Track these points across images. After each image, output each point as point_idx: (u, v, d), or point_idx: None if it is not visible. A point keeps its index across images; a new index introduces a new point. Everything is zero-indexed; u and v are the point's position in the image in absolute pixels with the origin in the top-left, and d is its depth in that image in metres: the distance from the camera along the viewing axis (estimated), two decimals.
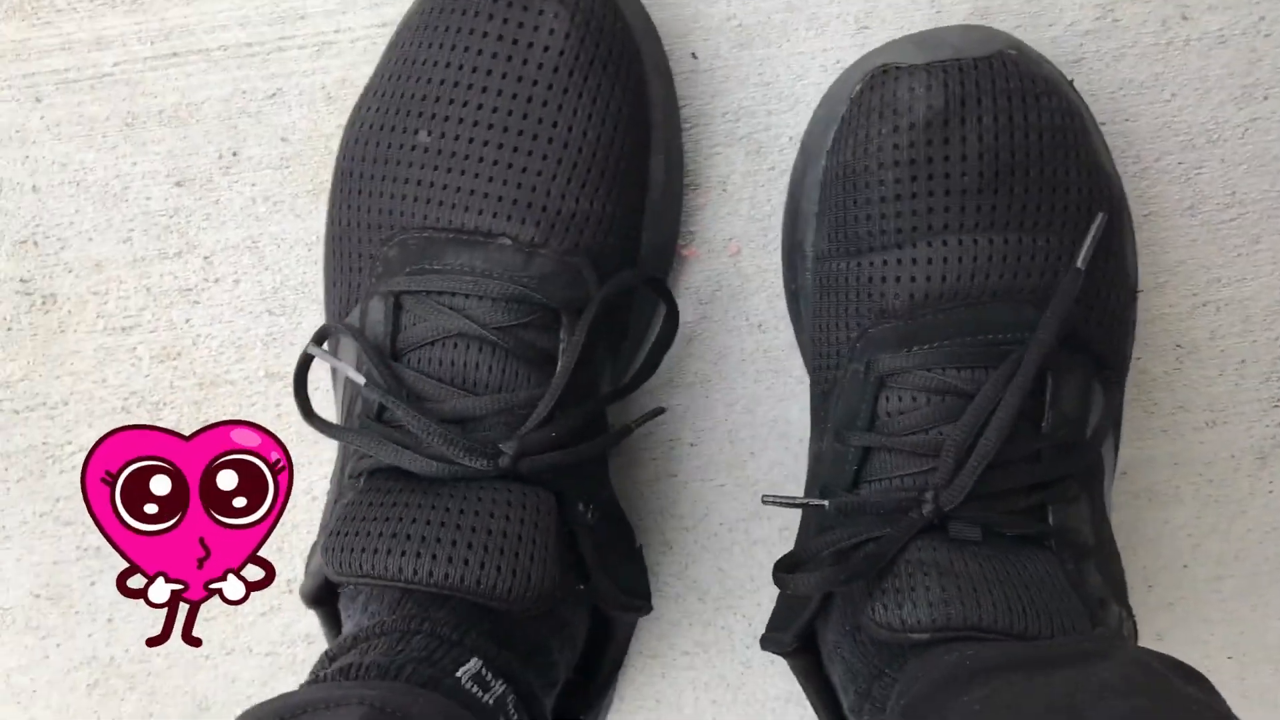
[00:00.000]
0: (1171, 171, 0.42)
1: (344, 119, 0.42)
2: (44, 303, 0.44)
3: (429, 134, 0.35)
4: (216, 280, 0.44)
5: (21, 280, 0.44)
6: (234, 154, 0.42)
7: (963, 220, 0.34)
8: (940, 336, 0.33)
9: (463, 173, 0.34)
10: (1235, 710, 0.45)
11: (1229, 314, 0.44)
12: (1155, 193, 0.43)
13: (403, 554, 0.30)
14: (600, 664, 0.36)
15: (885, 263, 0.35)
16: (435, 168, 0.34)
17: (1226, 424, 0.45)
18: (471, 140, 0.34)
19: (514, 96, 0.35)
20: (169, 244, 0.43)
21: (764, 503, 0.36)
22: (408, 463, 0.31)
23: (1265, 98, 0.41)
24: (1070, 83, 0.38)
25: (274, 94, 0.42)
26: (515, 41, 0.34)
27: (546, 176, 0.35)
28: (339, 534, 0.31)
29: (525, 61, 0.35)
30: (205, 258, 0.43)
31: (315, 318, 0.44)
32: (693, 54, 0.41)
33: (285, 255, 0.44)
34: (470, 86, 0.35)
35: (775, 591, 0.46)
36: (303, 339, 0.45)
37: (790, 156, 0.43)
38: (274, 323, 0.44)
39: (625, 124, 0.36)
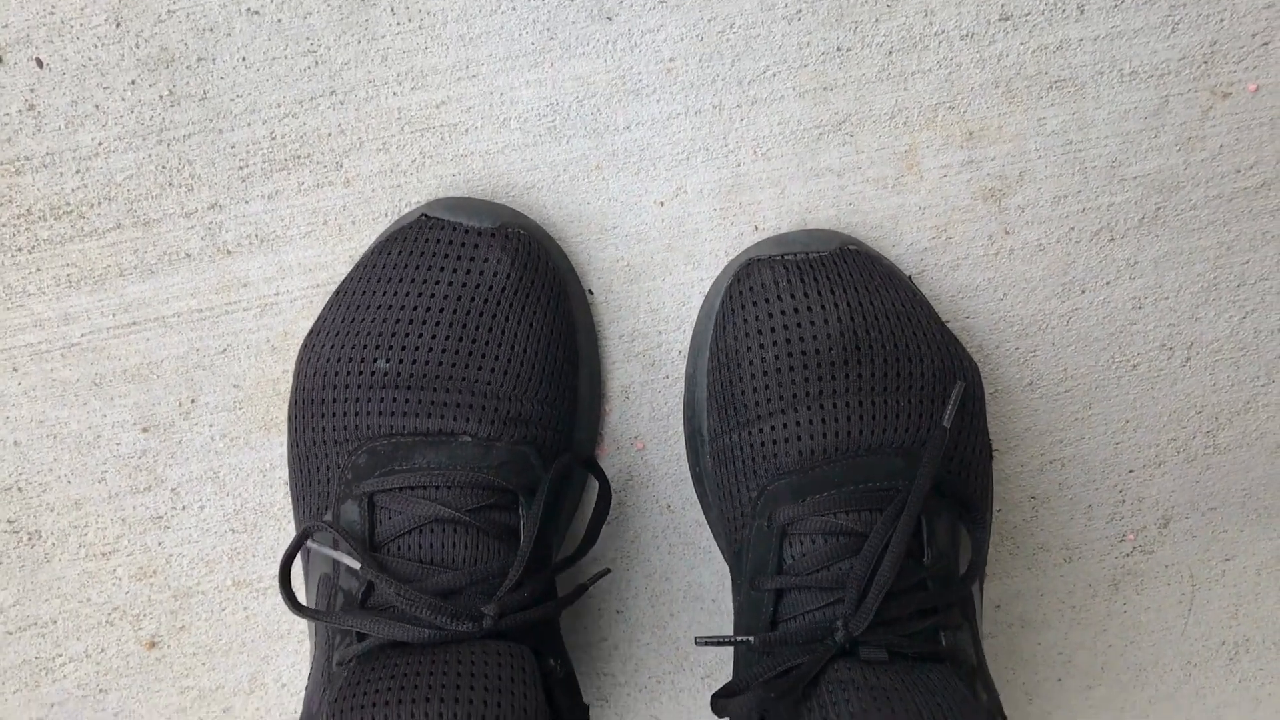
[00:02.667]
0: (1011, 356, 0.58)
1: (288, 366, 0.57)
2: (29, 539, 0.58)
3: (387, 361, 0.46)
4: (184, 508, 0.58)
5: (9, 521, 0.58)
6: (193, 401, 0.57)
7: (834, 387, 0.46)
8: (829, 486, 0.44)
9: (422, 389, 0.45)
10: None
11: (1073, 468, 0.60)
12: (999, 374, 0.58)
13: (413, 701, 0.36)
14: None
15: (773, 428, 0.46)
16: (396, 387, 0.45)
17: (1082, 559, 0.61)
18: (428, 363, 0.45)
19: (464, 325, 0.46)
20: (139, 480, 0.58)
21: (697, 643, 0.49)
22: (402, 634, 0.40)
23: (1082, 291, 0.57)
24: (909, 278, 0.52)
25: (224, 349, 0.56)
26: (465, 284, 0.47)
27: (496, 385, 0.46)
28: (343, 698, 0.37)
29: (474, 299, 0.47)
30: (173, 490, 0.58)
31: (273, 533, 0.59)
32: (589, 290, 0.56)
33: (243, 482, 0.58)
34: (424, 322, 0.46)
35: None
36: (263, 550, 0.59)
37: (680, 367, 0.58)
38: (237, 539, 0.59)
39: (557, 341, 0.49)
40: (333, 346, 0.50)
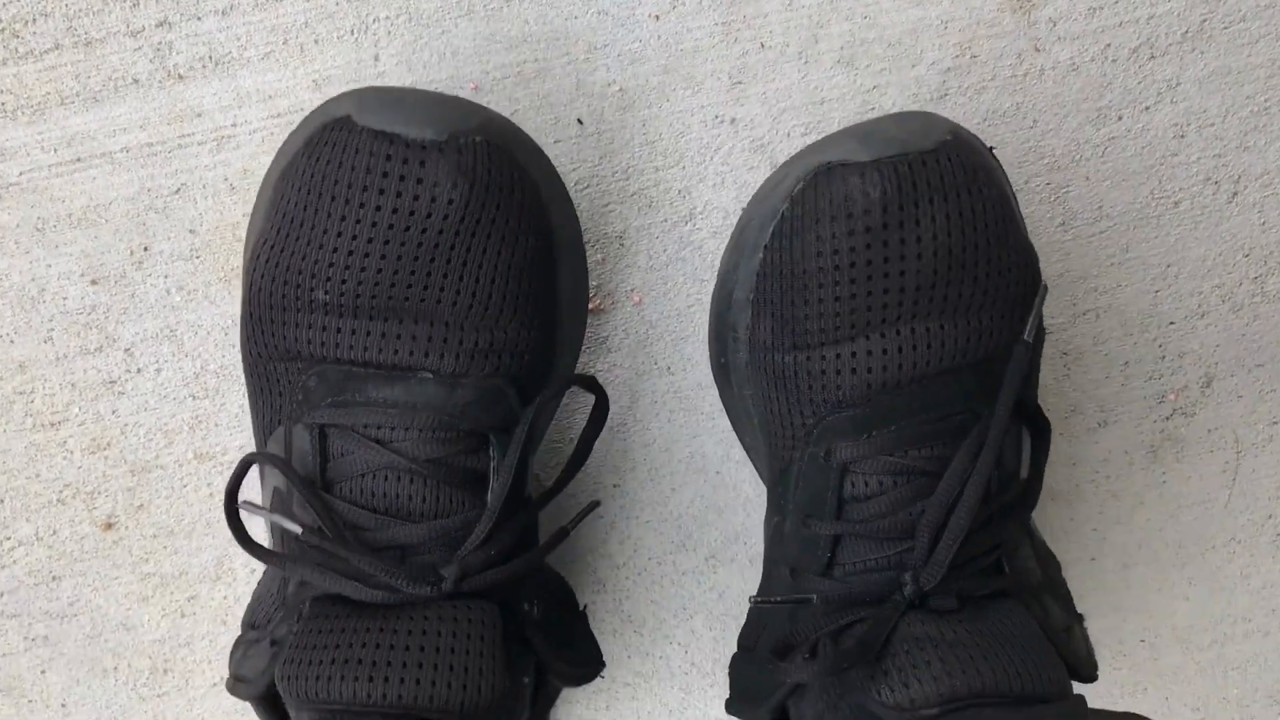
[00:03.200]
0: (1041, 193, 0.52)
1: (248, 208, 0.52)
2: None
3: (325, 293, 0.39)
4: (139, 370, 0.53)
5: None
6: (145, 249, 0.51)
7: (915, 311, 0.39)
8: (896, 419, 0.39)
9: (370, 318, 0.39)
10: (1151, 690, 0.56)
11: (1108, 320, 0.54)
12: (1028, 213, 0.53)
13: (355, 679, 0.35)
14: (533, 705, 0.45)
15: (839, 356, 0.40)
16: (340, 316, 0.40)
17: (1118, 423, 0.56)
18: (374, 296, 0.39)
19: (415, 258, 0.39)
20: (89, 340, 0.52)
21: (751, 602, 0.43)
22: (353, 592, 0.37)
23: (1119, 117, 0.52)
24: (991, 151, 0.45)
25: (179, 189, 0.51)
26: (412, 212, 0.38)
27: (459, 316, 0.40)
28: (293, 663, 0.37)
29: (424, 230, 0.38)
30: (126, 350, 0.52)
31: (238, 398, 0.54)
32: (579, 120, 0.50)
33: (203, 341, 0.53)
34: (366, 254, 0.39)
35: (708, 618, 0.57)
36: (227, 419, 0.54)
37: (679, 208, 0.52)
38: (198, 406, 0.53)
39: (530, 260, 0.41)
40: (270, 264, 0.42)
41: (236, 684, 0.45)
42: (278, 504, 0.44)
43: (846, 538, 0.41)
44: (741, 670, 0.50)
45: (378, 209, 0.39)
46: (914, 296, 0.40)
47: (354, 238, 0.39)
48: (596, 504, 0.48)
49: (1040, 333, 0.47)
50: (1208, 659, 0.62)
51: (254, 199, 0.52)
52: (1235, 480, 0.59)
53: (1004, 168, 0.49)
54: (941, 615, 0.38)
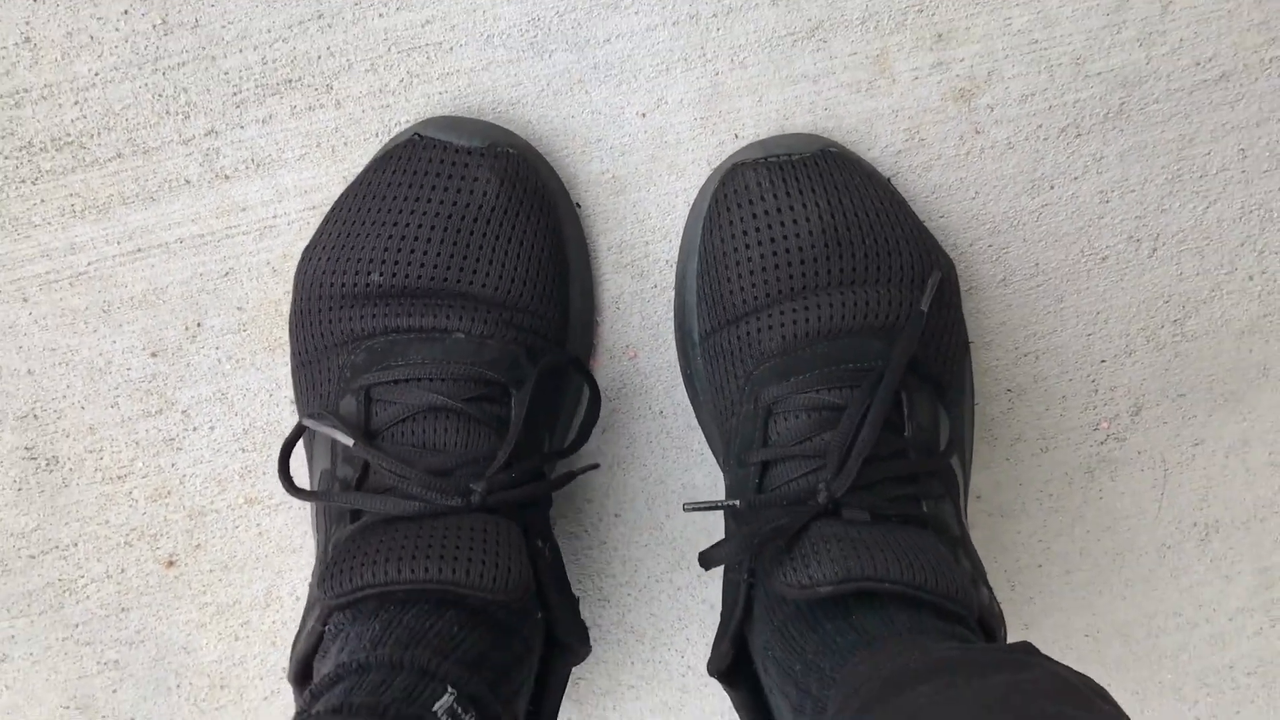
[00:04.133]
0: (984, 254, 0.60)
1: (289, 287, 0.59)
2: (48, 464, 0.60)
3: (380, 275, 0.48)
4: (195, 429, 0.60)
5: (26, 449, 0.60)
6: (198, 325, 0.59)
7: (816, 281, 0.48)
8: (811, 367, 0.46)
9: (415, 297, 0.47)
10: (1094, 676, 0.65)
11: (1047, 360, 0.62)
12: (973, 272, 0.60)
13: (399, 559, 0.39)
14: (543, 706, 0.48)
15: (759, 320, 0.48)
16: (390, 297, 0.47)
17: (1057, 448, 0.63)
18: (420, 276, 0.47)
19: (454, 242, 0.48)
20: (150, 404, 0.60)
21: (685, 509, 0.51)
22: (394, 508, 0.41)
23: (1051, 187, 0.59)
24: (888, 180, 0.54)
25: (227, 273, 0.58)
26: (455, 202, 0.48)
27: (489, 292, 0.48)
28: (335, 563, 0.40)
29: (464, 216, 0.48)
30: (183, 412, 0.60)
31: None
32: (577, 204, 0.58)
33: (251, 401, 0.60)
34: (416, 238, 0.48)
35: (701, 627, 0.65)
36: (272, 468, 0.62)
37: (668, 276, 0.60)
38: (247, 458, 0.61)
39: (548, 256, 0.50)
40: (327, 259, 0.50)
41: (294, 655, 0.44)
42: (324, 480, 0.50)
43: (773, 464, 0.46)
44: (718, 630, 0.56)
45: (429, 200, 0.48)
46: (813, 268, 0.48)
47: (408, 224, 0.48)
48: (596, 465, 0.56)
49: (949, 317, 0.54)
50: (1144, 649, 0.70)
51: (293, 277, 0.60)
52: (1163, 495, 0.66)
53: (899, 193, 0.56)
54: (852, 524, 0.42)
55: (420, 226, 0.48)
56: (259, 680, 0.65)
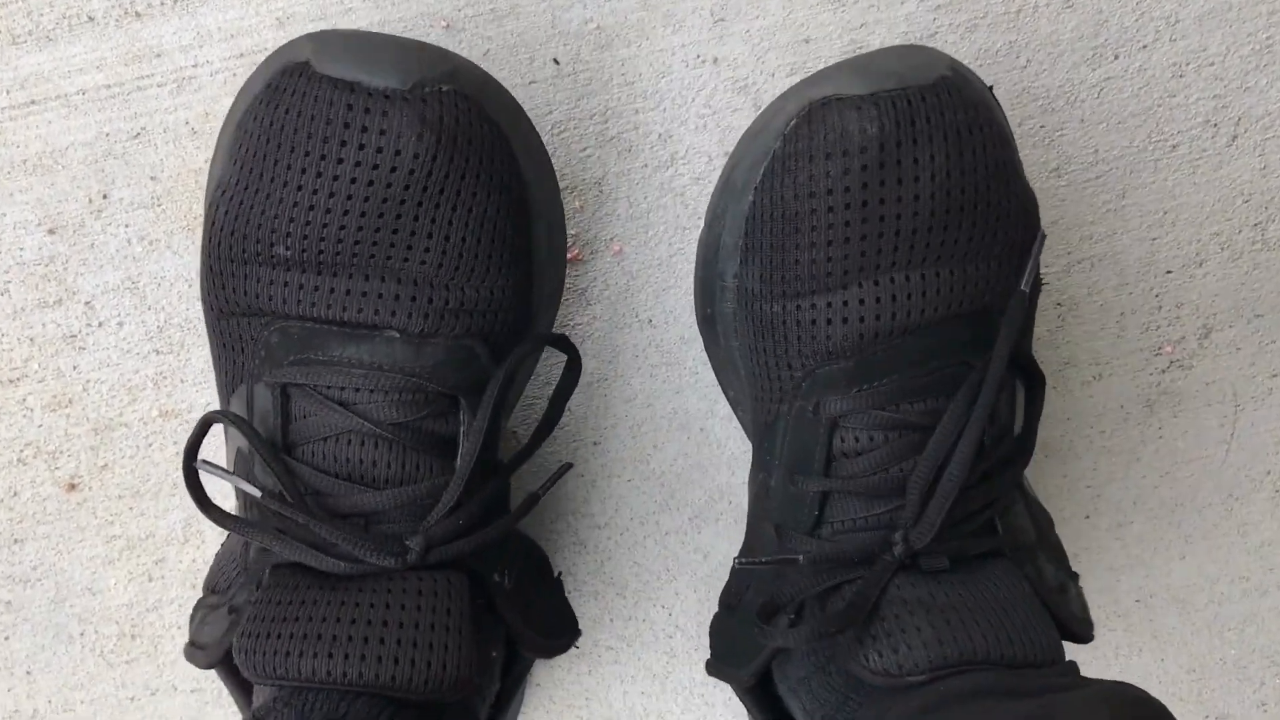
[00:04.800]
0: (1034, 135, 0.50)
1: (211, 152, 0.49)
2: None
3: (286, 249, 0.38)
4: (100, 324, 0.50)
5: None
6: (104, 196, 0.49)
7: (910, 257, 0.38)
8: (888, 371, 0.38)
9: (334, 274, 0.37)
10: (1146, 651, 0.54)
11: (1104, 269, 0.52)
12: (1021, 157, 0.50)
13: (314, 655, 0.34)
14: (507, 675, 0.43)
15: (829, 305, 0.38)
16: (302, 271, 0.38)
17: (1113, 376, 0.54)
18: (338, 253, 0.37)
19: (380, 215, 0.37)
20: (48, 292, 0.50)
21: (736, 566, 0.41)
22: (314, 562, 0.36)
23: (1115, 57, 0.49)
24: (990, 89, 0.43)
25: (138, 134, 0.49)
26: (375, 165, 0.36)
27: (429, 272, 0.38)
28: (250, 635, 0.35)
29: (389, 183, 0.37)
30: (86, 303, 0.50)
31: (204, 352, 0.51)
32: (554, 60, 0.48)
33: (167, 293, 0.50)
34: (328, 210, 0.37)
35: (692, 579, 0.55)
36: (193, 375, 0.52)
37: (660, 153, 0.50)
38: (162, 361, 0.51)
39: (503, 215, 0.39)
40: (229, 215, 0.40)
41: (194, 651, 0.43)
42: (240, 465, 0.42)
43: (835, 495, 0.39)
44: (723, 630, 0.48)
45: (339, 161, 0.37)
46: (910, 241, 0.37)
47: (314, 191, 0.37)
48: (569, 466, 0.46)
49: (1037, 283, 0.44)
50: (1204, 619, 0.60)
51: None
52: (1233, 435, 0.57)
53: (1002, 107, 0.46)
54: (932, 577, 0.37)
55: (332, 195, 0.37)
56: (176, 630, 0.55)
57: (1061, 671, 0.35)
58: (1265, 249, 0.55)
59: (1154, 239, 0.54)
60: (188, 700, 0.57)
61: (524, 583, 0.42)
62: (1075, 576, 0.45)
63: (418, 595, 0.35)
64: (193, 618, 0.45)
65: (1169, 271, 0.55)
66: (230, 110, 0.43)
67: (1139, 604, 0.59)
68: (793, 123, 0.38)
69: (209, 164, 0.50)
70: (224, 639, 0.38)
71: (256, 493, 0.37)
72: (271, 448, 0.37)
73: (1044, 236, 0.42)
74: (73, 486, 0.55)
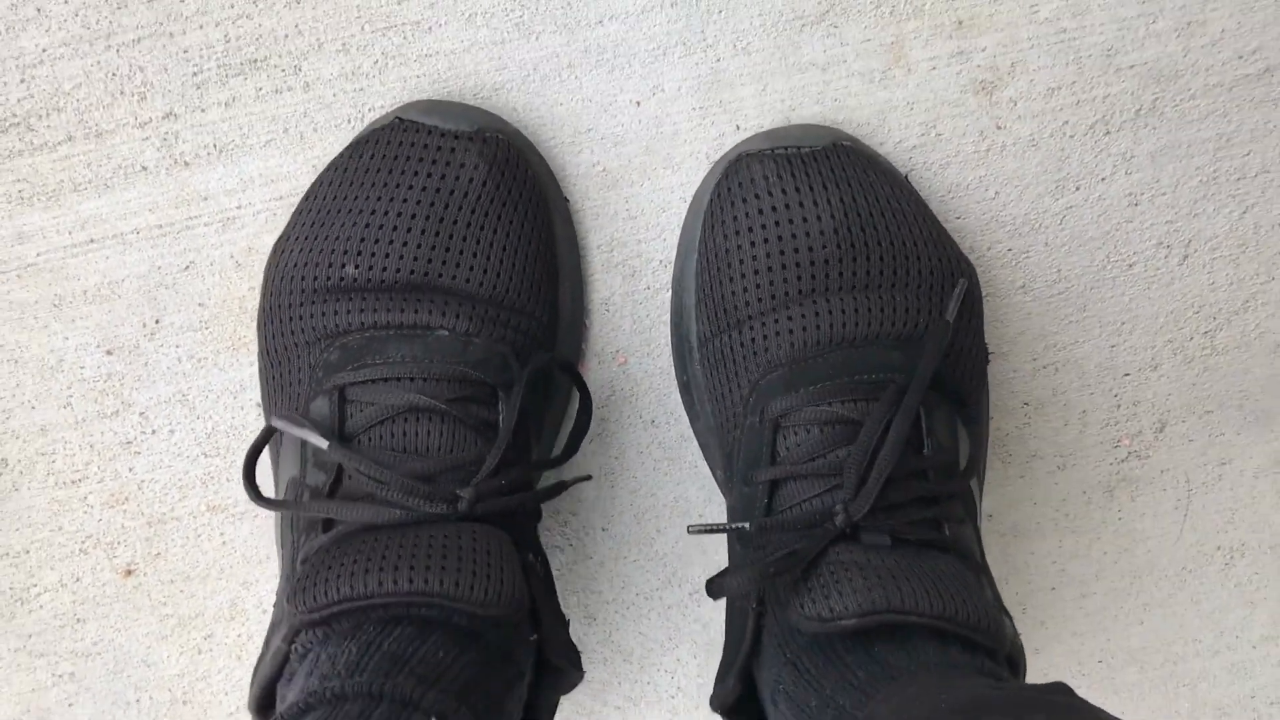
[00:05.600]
0: (1003, 258, 0.56)
1: (254, 282, 0.55)
2: None
3: (355, 268, 0.44)
4: (153, 432, 0.56)
5: None
6: (157, 322, 0.54)
7: (828, 284, 0.45)
8: (823, 377, 0.43)
9: (393, 293, 0.44)
10: (1109, 705, 0.60)
11: (1067, 373, 0.58)
12: (991, 276, 0.56)
13: (381, 569, 0.35)
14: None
15: (764, 325, 0.45)
16: (366, 292, 0.44)
17: (1075, 466, 0.59)
18: (399, 270, 0.44)
19: (436, 232, 0.45)
20: (106, 405, 0.55)
21: (690, 532, 0.46)
22: (372, 516, 0.38)
23: (1076, 188, 0.55)
24: (905, 176, 0.49)
25: (187, 266, 0.54)
26: (439, 189, 0.45)
27: (474, 287, 0.45)
28: (308, 575, 0.36)
29: (448, 205, 0.45)
30: (141, 413, 0.56)
31: None
32: (565, 199, 0.53)
33: (214, 404, 0.56)
34: (395, 228, 0.45)
35: (693, 647, 0.61)
36: (237, 475, 0.58)
37: (661, 277, 0.55)
38: (210, 464, 0.57)
39: (537, 251, 0.47)
40: (300, 252, 0.48)
41: (255, 680, 0.40)
42: (292, 489, 0.46)
43: (783, 483, 0.43)
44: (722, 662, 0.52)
45: (410, 187, 0.45)
46: (824, 270, 0.45)
47: (386, 213, 0.45)
48: (589, 477, 0.52)
49: (973, 328, 0.50)
50: (1161, 676, 0.66)
51: (258, 273, 0.55)
52: (1186, 516, 0.62)
53: (917, 192, 0.52)
54: (873, 549, 0.39)
55: (400, 215, 0.45)
56: (223, 696, 0.61)
57: (1060, 689, 0.35)
58: (1214, 353, 0.60)
59: (1113, 345, 0.60)
60: None
61: (548, 583, 0.45)
62: (1011, 618, 0.48)
63: (471, 535, 0.38)
64: (254, 672, 0.48)
65: (1127, 374, 0.60)
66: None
67: (1101, 664, 0.65)
68: (718, 179, 0.47)
69: (252, 291, 0.55)
70: (279, 645, 0.38)
71: (324, 443, 0.40)
72: (334, 435, 0.41)
73: (965, 283, 0.48)
74: (129, 572, 0.60)
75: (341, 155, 0.47)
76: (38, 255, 0.55)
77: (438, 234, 0.45)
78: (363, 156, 0.46)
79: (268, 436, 0.45)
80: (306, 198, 0.48)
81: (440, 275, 0.44)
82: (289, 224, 0.51)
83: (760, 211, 0.46)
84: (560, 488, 0.46)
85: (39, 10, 0.50)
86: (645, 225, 0.56)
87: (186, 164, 0.53)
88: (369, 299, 0.44)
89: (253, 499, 0.42)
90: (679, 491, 0.60)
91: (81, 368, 0.56)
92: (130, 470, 0.58)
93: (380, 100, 0.53)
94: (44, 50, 0.51)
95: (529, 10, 0.52)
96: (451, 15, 0.52)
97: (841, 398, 0.42)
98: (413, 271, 0.44)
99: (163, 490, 0.59)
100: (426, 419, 0.42)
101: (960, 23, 0.52)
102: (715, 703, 0.45)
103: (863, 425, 0.41)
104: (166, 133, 0.53)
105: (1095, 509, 0.61)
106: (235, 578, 0.60)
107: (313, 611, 0.36)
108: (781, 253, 0.45)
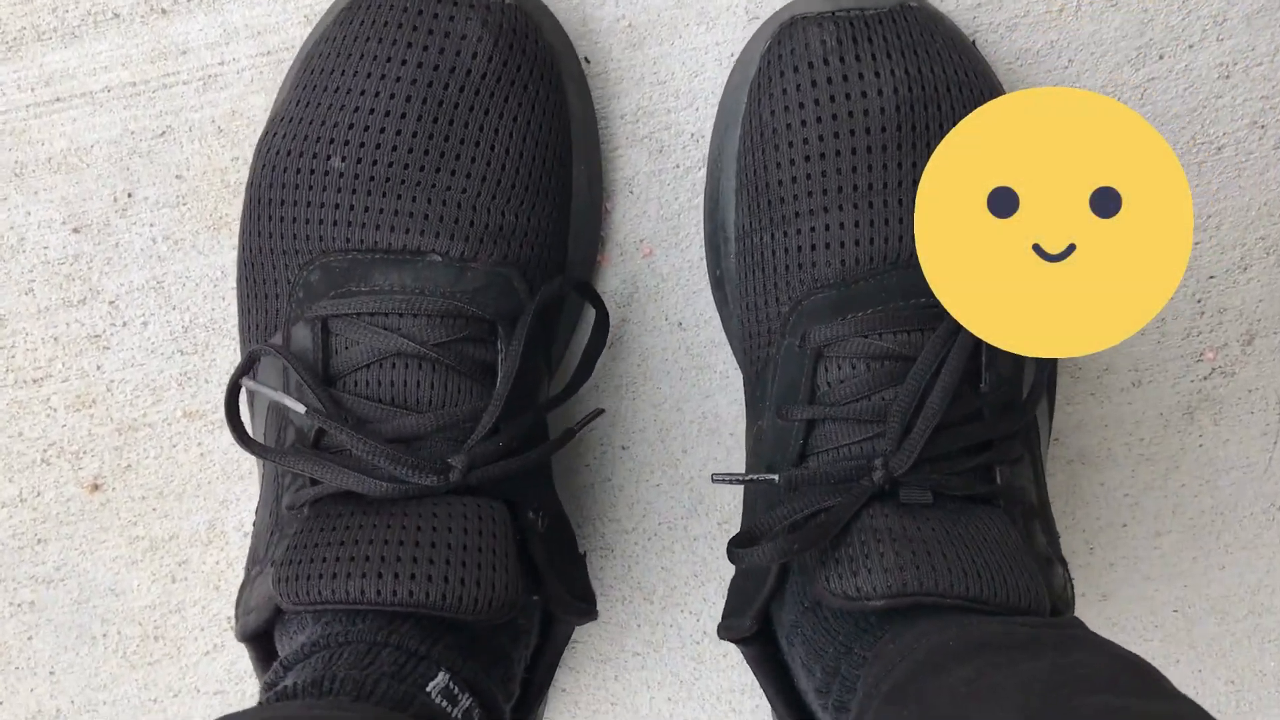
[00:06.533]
0: None
1: (238, 151, 0.49)
2: None
3: (342, 159, 0.39)
4: (124, 324, 0.50)
5: None
6: (129, 195, 0.48)
7: (886, 178, 0.40)
8: (874, 302, 0.39)
9: (383, 194, 0.39)
10: (1184, 662, 0.53)
11: None
12: None
13: (363, 575, 0.33)
14: (537, 666, 0.42)
15: (813, 229, 0.40)
16: (353, 191, 0.39)
17: (1152, 383, 0.52)
18: (391, 164, 0.39)
19: (434, 120, 0.40)
20: (72, 292, 0.49)
21: (714, 481, 0.42)
22: (356, 485, 0.35)
23: (1160, 57, 0.48)
24: (972, 41, 0.43)
25: (164, 132, 0.48)
26: (436, 67, 0.39)
27: (472, 193, 0.40)
28: (291, 563, 0.35)
29: (446, 86, 0.39)
30: (110, 302, 0.49)
31: (228, 354, 0.51)
32: (584, 59, 0.47)
33: (192, 293, 0.50)
34: (388, 113, 0.39)
35: (721, 585, 0.54)
36: (217, 376, 0.51)
37: (693, 154, 0.49)
38: (187, 362, 0.50)
39: (547, 138, 0.42)
40: (284, 137, 0.43)
41: (244, 618, 0.39)
42: (274, 419, 0.42)
43: (820, 424, 0.39)
44: (733, 588, 0.48)
45: (403, 63, 0.39)
46: (881, 158, 0.39)
47: (377, 94, 0.39)
48: (601, 411, 0.47)
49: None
50: (1244, 629, 0.59)
51: (242, 140, 0.49)
52: (1277, 443, 0.55)
53: (986, 61, 0.46)
54: (911, 509, 0.36)
55: (393, 98, 0.39)
56: (199, 631, 0.55)
57: (1071, 623, 0.34)
58: None
59: (1197, 243, 0.53)
60: (210, 702, 0.56)
61: (554, 536, 0.42)
62: (1065, 563, 0.44)
63: (463, 519, 0.35)
64: (238, 600, 0.44)
65: (1212, 276, 0.53)
66: (301, 47, 0.44)
67: (1177, 614, 0.58)
68: (767, 44, 0.42)
69: (235, 162, 0.49)
70: (272, 593, 0.36)
71: (301, 408, 0.37)
72: (314, 377, 0.37)
73: None
74: (96, 487, 0.54)
75: (329, 21, 0.42)
76: None
77: (435, 120, 0.40)
78: (351, 24, 0.41)
79: (247, 368, 0.41)
80: (296, 71, 0.43)
81: (438, 170, 0.40)
82: (278, 101, 0.45)
83: (814, 84, 0.40)
84: (569, 436, 0.42)
85: None
86: (675, 92, 0.50)
87: (164, 11, 0.47)
88: (356, 202, 0.40)
89: (238, 441, 0.38)
90: (708, 406, 0.54)
91: (45, 248, 0.50)
92: (98, 368, 0.52)
93: None
94: None
95: None
96: None
97: (894, 328, 0.38)
98: (406, 165, 0.39)
99: (134, 392, 0.52)
100: (415, 366, 0.38)
101: None
102: (726, 634, 0.42)
103: (913, 362, 0.37)
104: None
105: (1173, 433, 0.55)
106: (214, 495, 0.54)
107: (297, 606, 0.35)
108: (836, 135, 0.40)
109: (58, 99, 0.49)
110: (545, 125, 0.42)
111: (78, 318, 0.52)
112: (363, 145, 0.39)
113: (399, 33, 0.39)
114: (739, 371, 0.52)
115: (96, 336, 0.52)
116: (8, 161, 0.50)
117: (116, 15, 0.48)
